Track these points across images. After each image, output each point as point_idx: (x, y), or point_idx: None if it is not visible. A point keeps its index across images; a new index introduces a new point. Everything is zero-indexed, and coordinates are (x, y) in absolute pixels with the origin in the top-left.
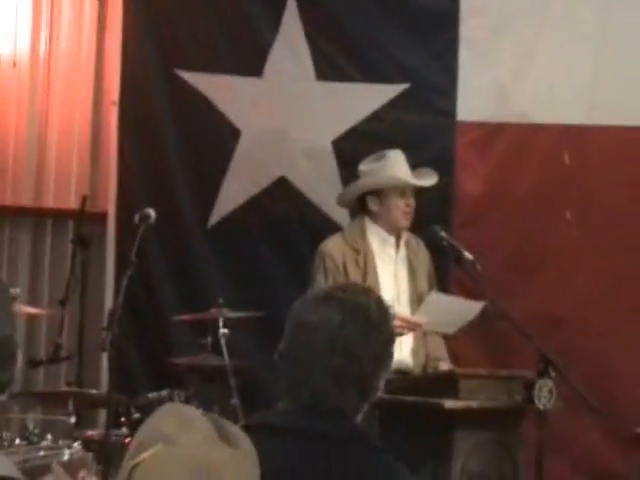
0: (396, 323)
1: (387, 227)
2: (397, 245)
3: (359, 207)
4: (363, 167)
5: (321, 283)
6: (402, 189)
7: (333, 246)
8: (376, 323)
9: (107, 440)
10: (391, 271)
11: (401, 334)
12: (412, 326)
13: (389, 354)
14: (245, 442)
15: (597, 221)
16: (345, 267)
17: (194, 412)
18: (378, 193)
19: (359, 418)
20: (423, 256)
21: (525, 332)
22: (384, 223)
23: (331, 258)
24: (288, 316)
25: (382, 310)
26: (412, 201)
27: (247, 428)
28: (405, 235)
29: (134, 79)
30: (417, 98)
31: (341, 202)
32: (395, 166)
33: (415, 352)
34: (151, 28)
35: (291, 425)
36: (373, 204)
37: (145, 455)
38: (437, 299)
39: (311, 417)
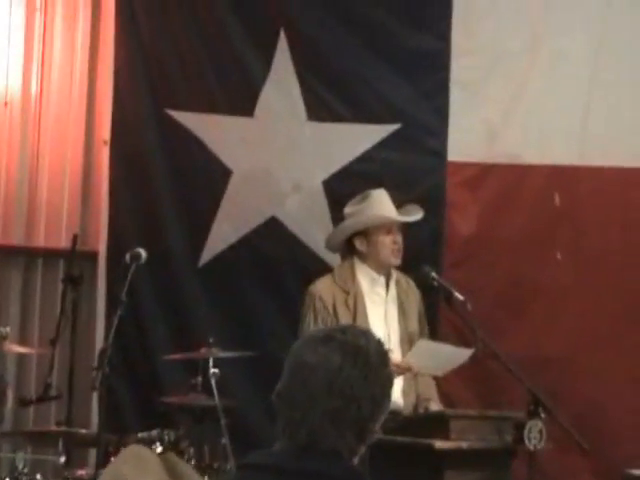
0: None
1: (376, 266)
2: (387, 285)
3: (348, 249)
4: (348, 209)
5: (310, 324)
6: (388, 227)
7: (323, 287)
8: (375, 366)
9: None
10: (381, 311)
11: None
12: (402, 371)
13: (387, 397)
14: None
15: (587, 262)
16: (335, 308)
17: (150, 455)
18: (365, 233)
19: (356, 460)
20: (414, 296)
21: (516, 373)
22: (373, 263)
23: (321, 299)
24: (287, 356)
25: (381, 353)
26: (399, 238)
27: (242, 467)
28: (395, 274)
29: (125, 119)
30: (408, 138)
31: (329, 245)
32: (379, 205)
33: (406, 392)
34: (142, 68)
35: (287, 465)
36: (360, 244)
37: None
38: (426, 345)
39: (307, 458)
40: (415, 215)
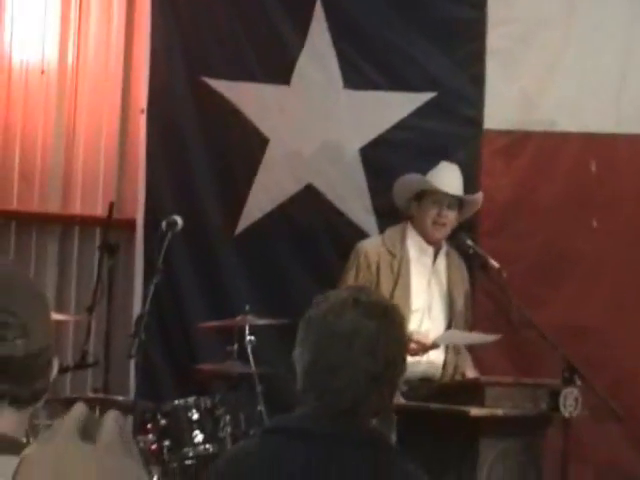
0: (412, 346)
1: (423, 236)
2: (435, 256)
3: (408, 211)
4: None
5: (351, 279)
6: (438, 198)
7: (370, 246)
8: (399, 326)
9: None
10: (424, 281)
11: (416, 354)
12: (427, 349)
13: (406, 354)
14: (106, 435)
15: (623, 230)
16: (378, 268)
17: (75, 410)
18: (419, 198)
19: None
20: (462, 275)
21: (551, 340)
22: (420, 231)
23: (366, 257)
24: (307, 323)
25: (398, 310)
26: (448, 213)
27: (268, 432)
28: (445, 247)
29: (162, 87)
30: (444, 107)
31: (396, 200)
32: (438, 174)
33: (446, 365)
34: (178, 36)
35: (321, 429)
36: (414, 208)
37: (27, 451)
38: (455, 333)
39: (350, 421)
40: (470, 196)
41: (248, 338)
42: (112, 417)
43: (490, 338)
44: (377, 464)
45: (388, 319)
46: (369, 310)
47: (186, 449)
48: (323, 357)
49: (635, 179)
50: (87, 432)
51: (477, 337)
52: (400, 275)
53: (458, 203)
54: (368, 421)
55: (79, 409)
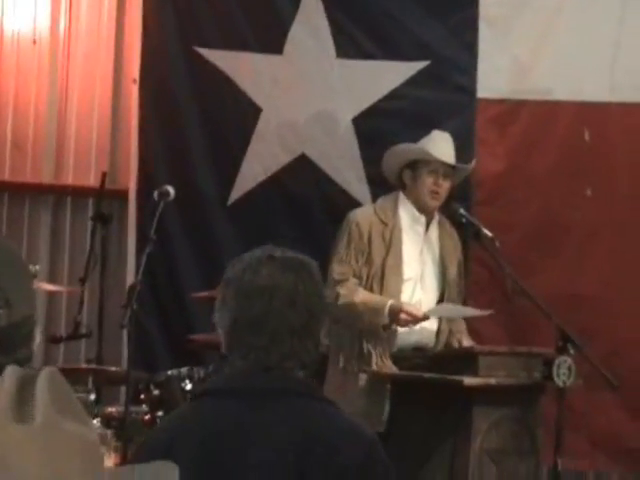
0: (403, 317)
1: (417, 205)
2: (427, 225)
3: (399, 180)
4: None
5: (343, 249)
6: (434, 166)
7: (361, 215)
8: (317, 278)
9: (126, 417)
10: (417, 249)
11: (406, 325)
12: (419, 320)
13: (326, 305)
14: (39, 411)
15: (617, 198)
16: (370, 238)
17: (6, 383)
18: (413, 167)
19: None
20: (455, 244)
21: (544, 309)
22: (414, 200)
23: (357, 226)
24: (226, 284)
25: (315, 265)
26: (443, 182)
27: (201, 395)
28: (438, 217)
29: (154, 57)
30: (437, 75)
31: (384, 170)
32: (431, 143)
33: (440, 331)
34: (171, 6)
35: (257, 386)
36: (407, 177)
37: None
38: (446, 306)
39: (278, 376)
40: (463, 164)
41: None
42: (43, 378)
43: (482, 312)
44: (310, 414)
45: (305, 272)
46: (285, 264)
47: None
48: (244, 315)
49: (629, 147)
50: (22, 410)
51: (469, 311)
52: (392, 244)
53: (451, 171)
54: (296, 374)
55: (9, 381)
